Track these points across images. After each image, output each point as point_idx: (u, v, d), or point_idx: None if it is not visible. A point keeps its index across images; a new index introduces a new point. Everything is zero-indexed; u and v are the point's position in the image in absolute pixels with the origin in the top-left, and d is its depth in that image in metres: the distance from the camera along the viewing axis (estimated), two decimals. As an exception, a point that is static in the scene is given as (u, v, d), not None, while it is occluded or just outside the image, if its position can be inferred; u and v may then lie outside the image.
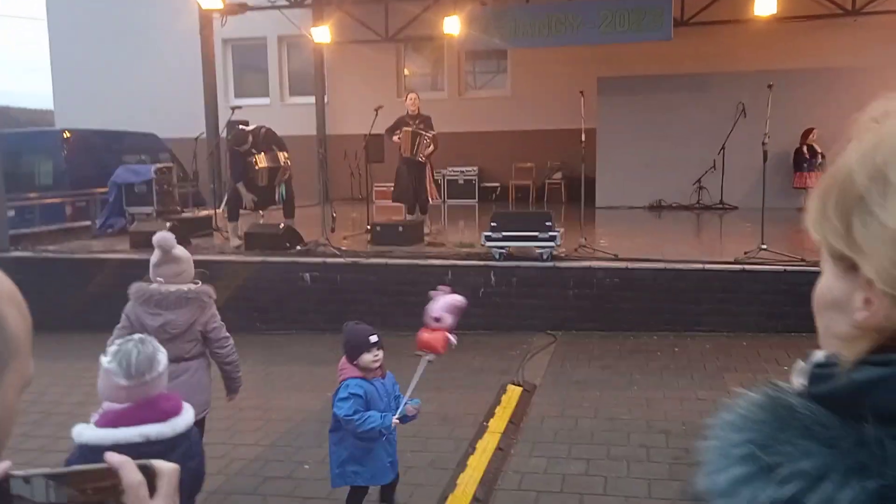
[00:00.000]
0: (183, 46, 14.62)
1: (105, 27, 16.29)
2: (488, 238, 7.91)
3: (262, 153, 9.09)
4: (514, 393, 5.88)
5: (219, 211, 10.48)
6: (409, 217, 9.82)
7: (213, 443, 4.35)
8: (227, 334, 4.00)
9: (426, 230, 9.59)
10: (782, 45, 12.54)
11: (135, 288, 3.87)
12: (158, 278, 3.84)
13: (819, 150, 11.31)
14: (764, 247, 7.64)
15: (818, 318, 0.70)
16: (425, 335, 3.48)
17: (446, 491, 4.29)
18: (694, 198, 12.69)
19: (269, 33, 15.83)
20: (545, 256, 7.81)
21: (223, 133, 11.13)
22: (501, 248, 7.91)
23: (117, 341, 2.51)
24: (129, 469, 0.84)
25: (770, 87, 7.85)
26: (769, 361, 6.46)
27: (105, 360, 2.44)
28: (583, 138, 8.72)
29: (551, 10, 12.24)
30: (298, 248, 8.79)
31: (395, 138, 9.50)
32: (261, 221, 9.50)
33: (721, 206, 12.29)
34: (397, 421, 3.44)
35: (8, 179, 9.75)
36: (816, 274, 0.71)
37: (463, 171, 14.44)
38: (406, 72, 16.13)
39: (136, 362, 2.42)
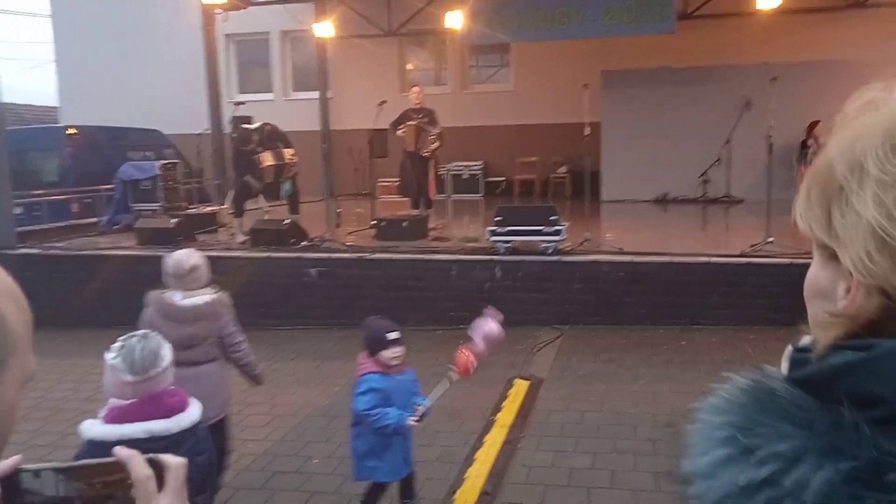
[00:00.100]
0: (186, 42, 14.63)
1: (108, 24, 16.31)
2: (493, 233, 7.91)
3: (268, 151, 9.10)
4: (521, 387, 5.90)
5: (224, 207, 10.50)
6: (414, 211, 9.82)
7: (221, 438, 4.37)
8: (242, 338, 4.02)
9: (431, 225, 9.59)
10: (786, 37, 12.49)
11: (153, 299, 3.85)
12: (174, 289, 3.84)
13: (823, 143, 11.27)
14: (770, 240, 7.63)
15: (808, 306, 0.71)
16: (462, 356, 3.44)
17: (455, 485, 4.31)
18: (699, 191, 12.67)
19: (271, 28, 15.83)
20: (550, 251, 7.81)
21: (227, 129, 11.15)
22: (506, 242, 7.91)
23: (121, 337, 2.51)
24: (137, 463, 0.85)
25: (774, 80, 7.84)
26: (776, 354, 6.26)
27: (109, 357, 2.45)
28: (587, 132, 8.71)
29: (554, 4, 12.21)
30: (304, 243, 8.81)
31: (400, 132, 9.49)
32: (266, 217, 9.53)
33: (727, 198, 12.27)
34: (415, 422, 3.44)
35: (15, 177, 9.78)
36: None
37: (468, 166, 14.43)
38: (409, 66, 16.12)
39: (141, 358, 2.42)
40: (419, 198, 9.79)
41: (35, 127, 15.81)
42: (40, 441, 4.95)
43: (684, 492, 0.66)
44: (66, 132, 13.06)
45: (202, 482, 2.35)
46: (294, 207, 9.70)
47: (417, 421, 3.46)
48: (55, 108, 18.58)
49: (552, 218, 7.76)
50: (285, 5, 13.82)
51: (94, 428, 2.36)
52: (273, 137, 9.26)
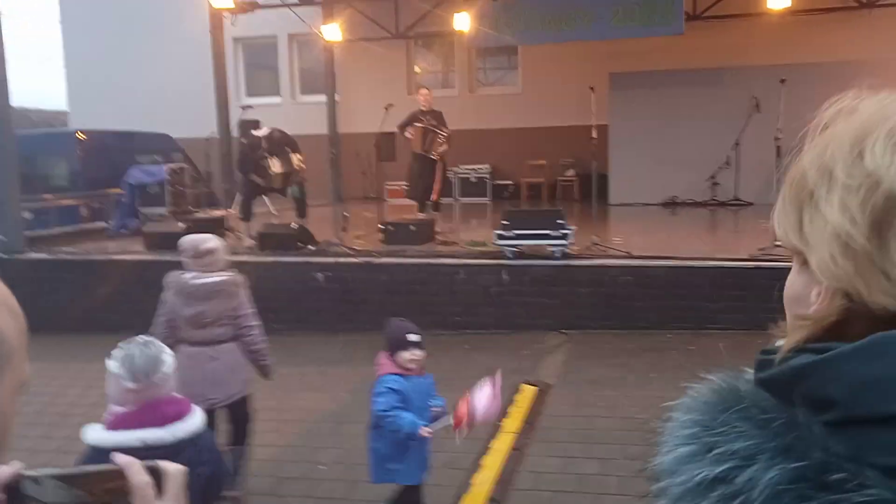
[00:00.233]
0: (193, 46, 14.66)
1: (116, 28, 16.38)
2: (500, 237, 7.88)
3: (276, 157, 9.10)
4: (528, 392, 5.87)
5: (231, 211, 10.52)
6: (421, 215, 9.80)
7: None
8: (256, 322, 4.16)
9: (437, 229, 9.57)
10: (796, 38, 12.41)
11: (171, 279, 4.07)
12: (192, 269, 4.05)
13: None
14: (779, 243, 7.57)
15: (786, 311, 0.72)
16: (461, 410, 3.42)
17: (461, 491, 4.29)
18: (708, 194, 12.59)
19: (279, 32, 15.85)
20: (558, 255, 7.78)
21: (235, 132, 11.16)
22: (514, 246, 7.89)
23: (121, 344, 2.52)
24: (135, 470, 0.85)
25: (783, 81, 7.79)
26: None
27: (111, 365, 2.45)
28: (594, 135, 8.67)
29: (562, 6, 12.17)
30: (311, 247, 8.81)
31: (408, 133, 9.48)
32: (274, 221, 9.53)
33: (736, 202, 12.20)
34: (428, 433, 3.41)
35: (24, 181, 9.82)
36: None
37: (475, 169, 14.39)
38: (417, 69, 16.12)
39: (141, 364, 2.42)
40: (424, 200, 9.77)
41: (44, 131, 15.89)
42: (47, 446, 4.96)
43: (652, 488, 0.66)
44: (76, 136, 13.11)
45: (203, 494, 2.32)
46: (301, 211, 9.70)
47: (430, 433, 3.44)
48: (64, 111, 18.69)
49: (559, 222, 7.73)
50: (293, 8, 13.84)
51: (93, 433, 2.36)
52: (282, 143, 9.27)
